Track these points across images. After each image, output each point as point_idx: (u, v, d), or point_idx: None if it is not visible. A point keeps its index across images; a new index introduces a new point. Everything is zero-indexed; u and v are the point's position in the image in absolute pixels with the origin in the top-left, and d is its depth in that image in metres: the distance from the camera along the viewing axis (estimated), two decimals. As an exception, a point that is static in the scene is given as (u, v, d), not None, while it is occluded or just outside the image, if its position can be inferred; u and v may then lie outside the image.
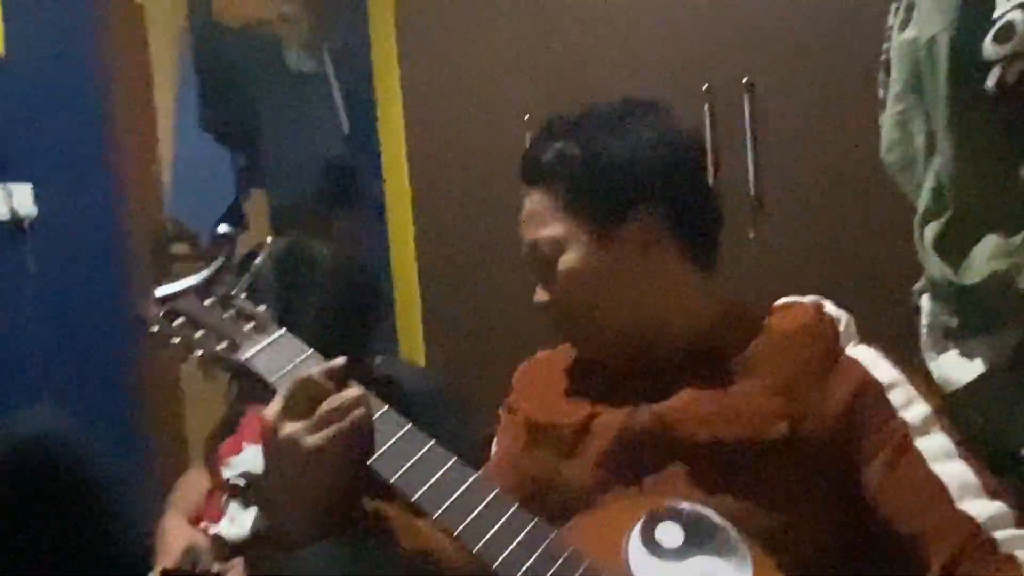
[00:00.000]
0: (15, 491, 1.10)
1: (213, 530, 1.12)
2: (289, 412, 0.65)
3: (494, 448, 0.91)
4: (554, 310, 0.82)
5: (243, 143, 2.10)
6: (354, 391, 0.67)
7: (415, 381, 1.29)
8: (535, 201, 0.80)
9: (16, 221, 1.65)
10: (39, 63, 1.73)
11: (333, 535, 0.68)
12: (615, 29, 1.61)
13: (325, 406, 0.64)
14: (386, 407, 0.70)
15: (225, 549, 1.09)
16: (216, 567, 1.08)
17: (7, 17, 1.62)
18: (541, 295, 0.82)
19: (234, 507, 1.13)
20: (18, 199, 1.65)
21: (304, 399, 0.65)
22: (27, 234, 1.67)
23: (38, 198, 1.70)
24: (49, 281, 1.76)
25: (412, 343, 2.01)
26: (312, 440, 0.62)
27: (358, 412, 0.65)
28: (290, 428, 0.64)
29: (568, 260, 0.78)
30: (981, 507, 0.64)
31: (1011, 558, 0.61)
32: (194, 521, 1.20)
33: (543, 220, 0.80)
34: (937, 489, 0.67)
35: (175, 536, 1.15)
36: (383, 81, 1.93)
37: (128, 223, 1.94)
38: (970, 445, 0.71)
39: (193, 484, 1.29)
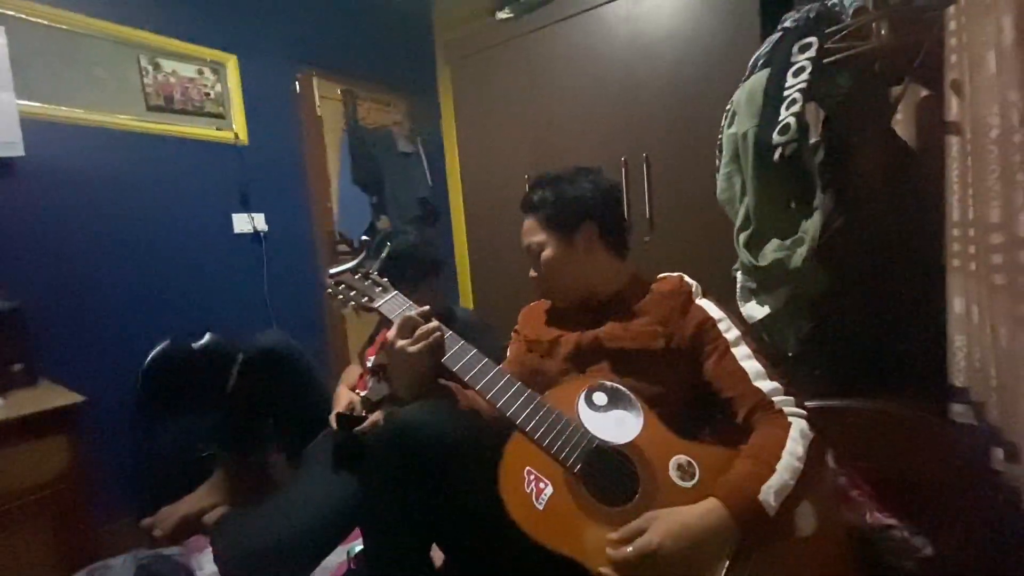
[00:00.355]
0: (264, 368, 1.32)
1: (362, 394, 1.30)
2: (399, 335, 0.86)
3: (508, 353, 1.12)
4: (540, 281, 1.02)
5: (375, 190, 2.62)
6: (434, 323, 0.89)
7: (469, 316, 1.48)
8: (528, 222, 1.02)
9: (257, 233, 2.19)
10: (267, 148, 2.25)
11: (422, 397, 0.88)
12: (572, 127, 2.00)
13: (419, 331, 0.86)
14: (451, 332, 0.91)
15: (368, 404, 1.26)
16: (364, 413, 1.24)
17: (249, 124, 2.19)
18: (533, 273, 1.03)
19: (372, 382, 1.31)
20: (258, 222, 2.20)
21: (407, 328, 0.86)
22: (263, 241, 2.21)
23: (269, 221, 2.23)
24: (276, 266, 2.23)
25: (467, 298, 2.54)
26: (411, 349, 0.85)
27: (436, 334, 0.87)
28: (400, 343, 0.85)
29: (546, 255, 0.98)
30: (766, 385, 0.85)
31: (781, 411, 0.83)
32: (352, 388, 1.39)
33: (533, 233, 1.00)
34: (742, 374, 0.87)
35: (342, 396, 1.34)
36: (449, 155, 2.46)
37: (316, 234, 2.45)
38: (762, 352, 0.91)
39: (352, 370, 1.47)
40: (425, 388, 0.89)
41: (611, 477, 0.80)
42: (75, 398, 1.39)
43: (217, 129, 2.10)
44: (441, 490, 0.81)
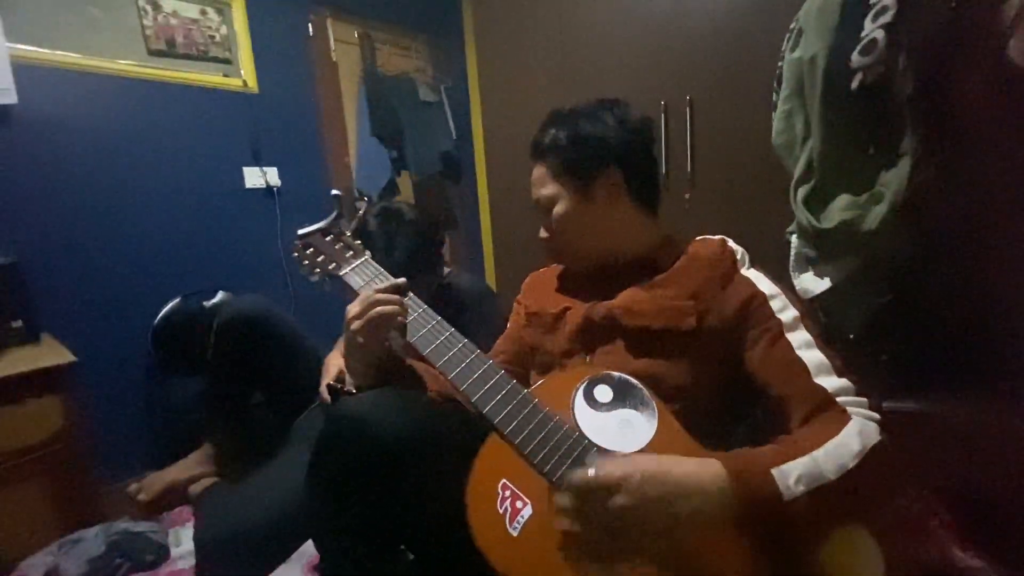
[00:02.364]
0: (241, 335, 1.23)
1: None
2: (359, 314, 0.72)
3: (509, 324, 0.98)
4: (550, 242, 0.87)
5: (395, 143, 2.40)
6: (393, 298, 0.74)
7: (470, 284, 1.32)
8: (538, 170, 0.85)
9: (270, 188, 2.05)
10: (279, 96, 2.08)
11: (380, 384, 0.75)
12: (606, 66, 1.73)
13: (373, 311, 0.72)
14: (424, 307, 0.77)
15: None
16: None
17: (258, 70, 2.01)
18: (543, 233, 0.87)
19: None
20: (270, 176, 2.05)
21: (370, 307, 0.72)
22: (275, 196, 2.06)
23: (282, 175, 2.08)
24: (290, 223, 2.00)
25: (490, 261, 2.37)
26: (354, 326, 0.72)
27: (387, 309, 0.72)
28: (355, 324, 0.72)
29: (558, 210, 0.82)
30: (831, 382, 0.67)
31: (844, 411, 0.64)
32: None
33: (543, 183, 0.84)
34: (800, 367, 0.68)
35: (334, 364, 1.21)
36: (475, 105, 2.22)
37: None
38: (825, 339, 0.71)
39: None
40: (378, 375, 0.74)
41: (609, 497, 0.62)
42: (69, 357, 1.33)
43: (224, 75, 1.94)
44: (398, 495, 0.65)
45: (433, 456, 0.66)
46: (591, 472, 0.55)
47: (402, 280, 0.78)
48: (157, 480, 1.26)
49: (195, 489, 1.22)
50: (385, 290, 0.75)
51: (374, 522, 0.67)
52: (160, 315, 1.75)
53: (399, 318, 0.73)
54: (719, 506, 0.55)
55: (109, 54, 1.70)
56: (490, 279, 2.36)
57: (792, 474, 0.56)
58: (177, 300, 1.79)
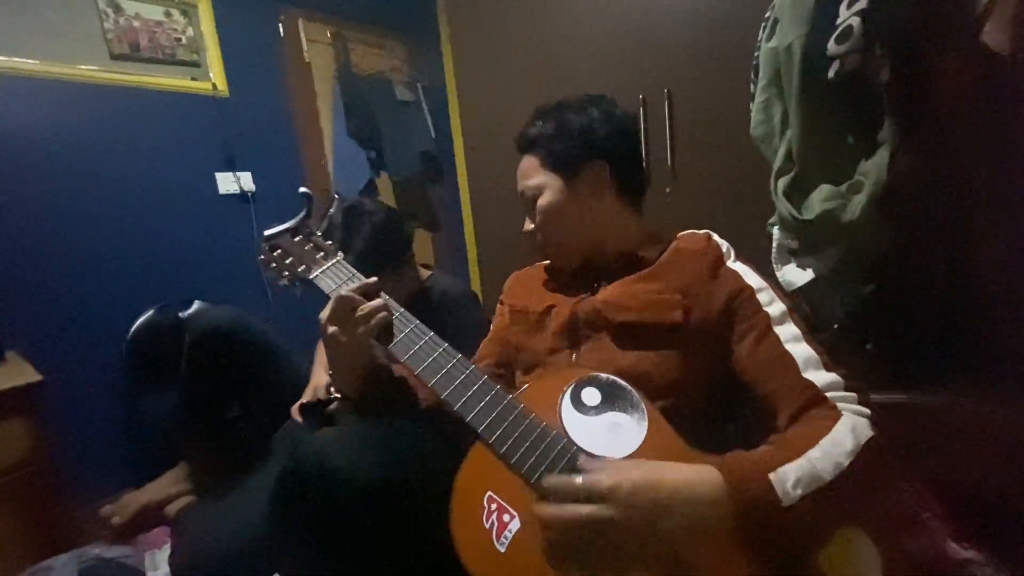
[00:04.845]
0: (213, 349, 1.17)
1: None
2: (332, 318, 0.71)
3: (492, 326, 0.97)
4: (535, 235, 0.86)
5: (373, 144, 2.38)
6: (378, 302, 0.73)
7: (451, 287, 1.28)
8: (525, 162, 0.85)
9: (244, 194, 2.00)
10: (250, 99, 2.03)
11: (369, 392, 0.75)
12: (583, 60, 1.72)
13: (358, 313, 0.71)
14: (401, 311, 0.74)
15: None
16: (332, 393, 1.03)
17: (228, 73, 1.96)
18: (527, 226, 0.87)
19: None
20: (244, 181, 2.00)
21: (343, 309, 0.71)
22: (251, 202, 2.02)
23: (256, 180, 2.03)
24: (265, 228, 1.92)
25: (473, 264, 2.34)
26: (343, 339, 0.70)
27: (380, 315, 0.72)
28: (331, 329, 0.70)
29: (543, 201, 0.82)
30: (820, 377, 0.65)
31: (835, 407, 0.63)
32: (327, 368, 1.15)
33: (529, 175, 0.84)
34: (788, 362, 0.67)
35: (318, 375, 1.19)
36: (454, 103, 2.15)
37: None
38: (814, 333, 0.70)
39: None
40: (365, 383, 0.72)
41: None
42: (35, 376, 1.26)
43: (192, 79, 1.88)
44: (364, 532, 0.62)
45: (400, 494, 0.63)
46: (578, 480, 0.53)
47: (373, 279, 0.75)
48: (132, 501, 1.20)
49: (171, 510, 1.17)
50: (357, 289, 0.73)
51: (338, 560, 0.63)
52: (134, 327, 1.69)
53: (379, 316, 0.71)
54: (715, 516, 0.52)
55: (69, 60, 1.63)
56: (474, 280, 2.32)
57: (790, 478, 0.54)
58: (151, 311, 1.73)
